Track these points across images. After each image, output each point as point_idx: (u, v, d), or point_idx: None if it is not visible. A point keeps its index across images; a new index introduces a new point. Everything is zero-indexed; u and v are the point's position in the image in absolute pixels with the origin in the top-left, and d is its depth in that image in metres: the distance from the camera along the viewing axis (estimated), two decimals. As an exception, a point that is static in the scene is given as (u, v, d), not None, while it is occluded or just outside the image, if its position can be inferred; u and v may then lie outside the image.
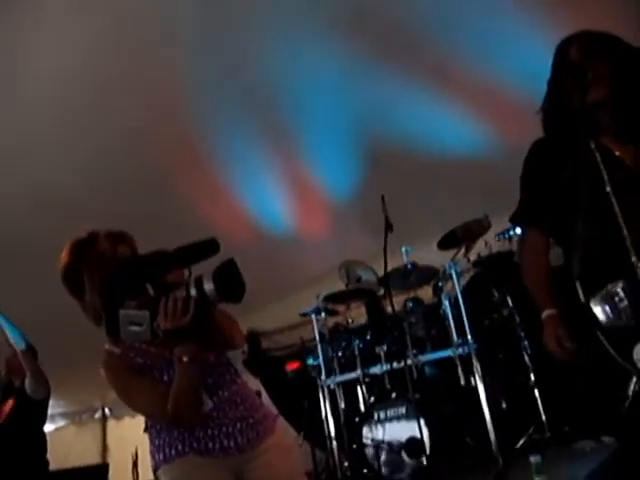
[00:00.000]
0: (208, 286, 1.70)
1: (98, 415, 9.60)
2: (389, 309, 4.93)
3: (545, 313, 1.70)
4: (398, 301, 4.83)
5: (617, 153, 1.67)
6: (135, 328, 1.68)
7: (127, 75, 4.33)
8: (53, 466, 8.57)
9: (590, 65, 1.64)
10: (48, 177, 4.77)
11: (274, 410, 2.18)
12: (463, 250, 4.52)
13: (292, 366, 6.31)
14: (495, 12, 3.85)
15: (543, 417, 3.87)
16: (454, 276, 4.19)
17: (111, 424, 9.71)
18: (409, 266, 4.46)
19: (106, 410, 9.62)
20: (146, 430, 1.96)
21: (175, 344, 1.77)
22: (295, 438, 5.17)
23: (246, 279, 1.75)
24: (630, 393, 1.42)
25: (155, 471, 1.90)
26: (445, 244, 4.50)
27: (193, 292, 1.70)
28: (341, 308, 5.91)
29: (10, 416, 4.27)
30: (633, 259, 1.49)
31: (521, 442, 3.83)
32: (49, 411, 9.79)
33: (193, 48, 4.36)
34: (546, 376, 3.92)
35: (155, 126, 4.79)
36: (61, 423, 9.96)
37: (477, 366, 3.96)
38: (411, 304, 4.78)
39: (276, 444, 1.96)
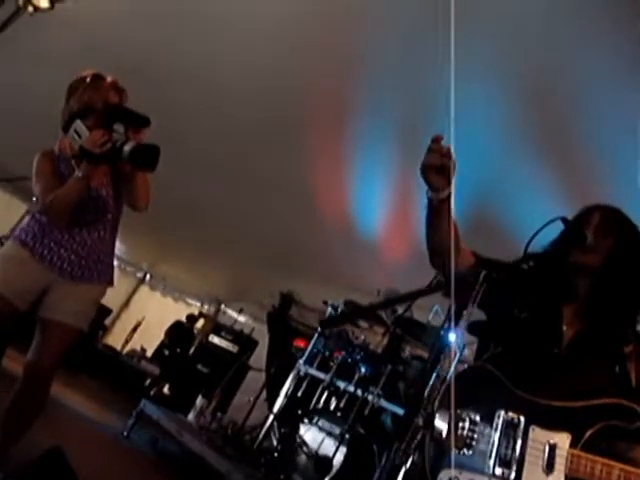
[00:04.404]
0: (127, 147, 2.33)
1: (140, 274, 10.38)
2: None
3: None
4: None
5: (564, 328, 1.72)
6: (75, 135, 2.39)
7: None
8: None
9: (600, 234, 1.71)
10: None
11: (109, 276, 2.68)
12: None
13: (299, 342, 6.55)
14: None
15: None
16: (454, 361, 4.21)
17: (144, 289, 10.47)
18: (426, 325, 4.53)
19: (148, 275, 10.37)
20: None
21: (82, 161, 2.39)
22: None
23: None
24: None
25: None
26: (472, 330, 4.51)
27: (118, 143, 2.36)
28: (365, 325, 6.09)
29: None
30: (502, 412, 1.55)
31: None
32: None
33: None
34: None
35: (311, 84, 5.08)
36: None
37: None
38: (415, 363, 4.86)
39: (88, 290, 2.54)
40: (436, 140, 1.62)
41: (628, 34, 3.46)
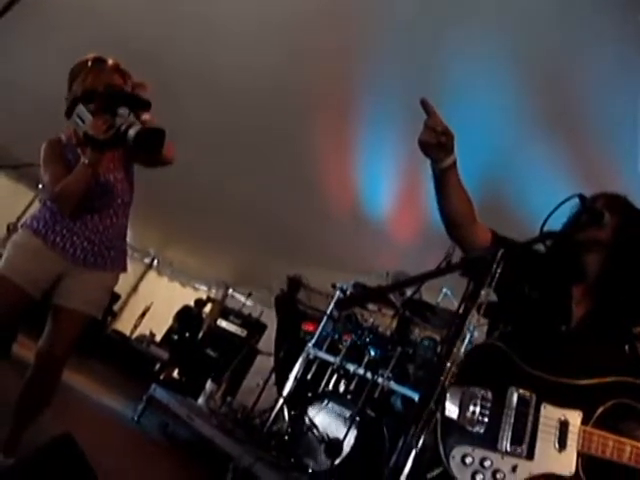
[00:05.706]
0: (132, 131, 2.25)
1: (147, 260, 10.37)
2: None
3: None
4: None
5: (573, 306, 1.72)
6: (79, 121, 2.34)
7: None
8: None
9: (607, 213, 1.70)
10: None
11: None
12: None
13: (307, 326, 6.55)
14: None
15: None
16: (466, 340, 4.18)
17: (152, 274, 10.48)
18: (436, 307, 4.51)
19: (155, 261, 10.36)
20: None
21: (87, 147, 2.34)
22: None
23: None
24: (429, 477, 1.52)
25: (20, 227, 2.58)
26: (484, 312, 4.48)
27: (123, 127, 2.27)
28: (374, 308, 6.07)
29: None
30: (513, 389, 1.54)
31: None
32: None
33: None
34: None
35: (313, 68, 5.02)
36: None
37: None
38: (426, 342, 4.83)
39: (101, 277, 2.51)
40: (431, 114, 1.62)
41: (629, 22, 3.42)
